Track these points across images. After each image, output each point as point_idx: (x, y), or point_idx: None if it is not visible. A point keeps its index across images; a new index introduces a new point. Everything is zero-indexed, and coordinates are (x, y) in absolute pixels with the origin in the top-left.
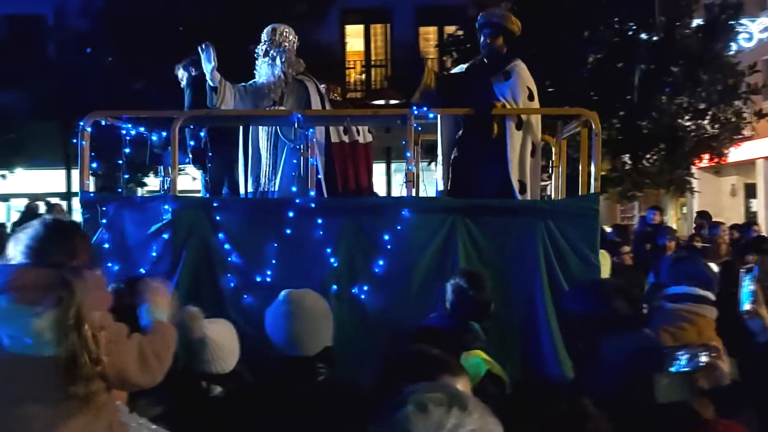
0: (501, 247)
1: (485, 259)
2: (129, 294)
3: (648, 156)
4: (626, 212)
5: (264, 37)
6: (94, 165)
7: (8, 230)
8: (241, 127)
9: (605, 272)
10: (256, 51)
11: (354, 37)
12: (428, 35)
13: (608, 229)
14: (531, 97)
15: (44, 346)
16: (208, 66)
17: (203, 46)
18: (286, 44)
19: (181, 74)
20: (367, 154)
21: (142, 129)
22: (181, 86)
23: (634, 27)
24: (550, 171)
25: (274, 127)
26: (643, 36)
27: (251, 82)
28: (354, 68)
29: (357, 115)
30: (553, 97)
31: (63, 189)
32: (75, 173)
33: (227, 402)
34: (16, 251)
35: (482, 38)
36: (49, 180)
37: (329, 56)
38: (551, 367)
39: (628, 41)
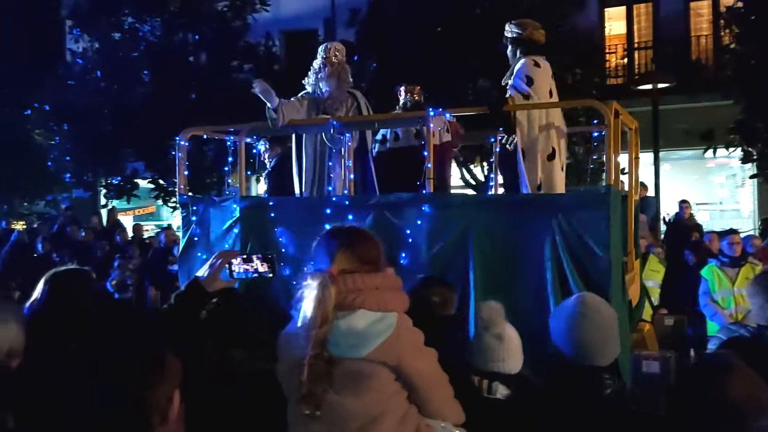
0: (513, 241)
1: (498, 253)
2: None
3: None
4: None
5: (319, 53)
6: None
7: None
8: (293, 136)
9: None
10: (311, 65)
11: (615, 20)
12: (701, 10)
13: None
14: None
15: (354, 348)
16: (263, 97)
17: (254, 88)
18: (338, 60)
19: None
20: (442, 154)
21: (248, 140)
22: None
23: None
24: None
25: (320, 135)
26: None
27: (304, 93)
28: (615, 53)
29: (381, 119)
30: None
31: None
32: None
33: (513, 406)
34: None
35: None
36: None
37: (587, 43)
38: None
39: None
